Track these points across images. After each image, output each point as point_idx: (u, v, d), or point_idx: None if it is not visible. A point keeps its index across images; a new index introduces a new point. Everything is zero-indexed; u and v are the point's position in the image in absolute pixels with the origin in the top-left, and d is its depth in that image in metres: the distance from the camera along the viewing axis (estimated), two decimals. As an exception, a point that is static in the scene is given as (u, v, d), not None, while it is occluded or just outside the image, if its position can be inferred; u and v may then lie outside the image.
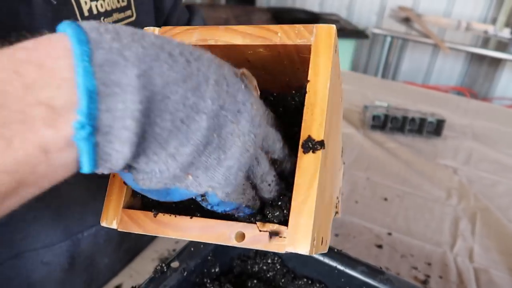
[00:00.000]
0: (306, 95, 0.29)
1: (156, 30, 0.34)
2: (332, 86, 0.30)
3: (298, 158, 0.28)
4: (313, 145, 0.27)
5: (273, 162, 0.29)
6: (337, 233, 0.72)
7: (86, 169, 0.22)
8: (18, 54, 0.20)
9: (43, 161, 0.20)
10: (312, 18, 2.62)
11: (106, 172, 0.24)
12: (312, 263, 0.46)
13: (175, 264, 0.42)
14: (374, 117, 1.11)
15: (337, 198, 0.44)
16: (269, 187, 0.29)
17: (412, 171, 0.94)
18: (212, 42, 0.31)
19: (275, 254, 0.48)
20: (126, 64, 0.21)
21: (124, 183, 0.31)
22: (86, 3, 0.41)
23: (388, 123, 1.10)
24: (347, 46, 2.49)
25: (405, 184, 0.89)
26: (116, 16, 0.45)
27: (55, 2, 0.38)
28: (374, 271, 0.44)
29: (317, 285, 0.46)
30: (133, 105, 0.21)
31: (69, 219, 0.48)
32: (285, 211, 0.29)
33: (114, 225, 0.31)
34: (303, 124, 0.28)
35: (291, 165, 0.31)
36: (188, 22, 0.61)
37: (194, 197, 0.26)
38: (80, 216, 0.49)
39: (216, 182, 0.25)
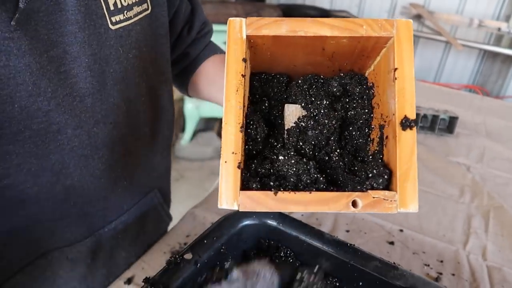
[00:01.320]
0: (396, 81, 0.33)
1: (243, 21, 0.34)
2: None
3: (397, 135, 0.32)
4: (409, 123, 0.32)
5: None
6: (348, 229, 0.72)
7: None
8: None
9: None
10: (322, 15, 2.60)
11: None
12: (325, 257, 0.46)
13: (188, 256, 0.42)
14: (386, 114, 1.10)
15: None
16: None
17: (424, 168, 0.93)
18: (301, 33, 0.33)
19: (287, 247, 0.48)
20: None
21: (238, 167, 0.32)
22: None
23: (400, 120, 1.09)
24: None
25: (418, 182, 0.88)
26: (135, 9, 0.46)
27: None
28: (387, 266, 0.44)
29: (330, 279, 0.46)
30: None
31: (92, 216, 0.49)
32: (386, 178, 0.33)
33: (234, 207, 0.32)
34: (397, 106, 0.33)
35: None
36: (191, 14, 0.61)
37: None
38: (102, 213, 0.50)
39: None
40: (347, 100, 0.40)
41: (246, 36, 0.33)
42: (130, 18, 0.44)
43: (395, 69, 0.33)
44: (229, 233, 0.47)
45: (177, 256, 0.42)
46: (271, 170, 0.34)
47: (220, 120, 2.96)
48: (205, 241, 0.45)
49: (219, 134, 2.99)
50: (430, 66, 3.17)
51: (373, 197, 0.32)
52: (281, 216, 0.49)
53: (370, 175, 0.34)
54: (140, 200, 0.56)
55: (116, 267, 0.56)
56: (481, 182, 0.89)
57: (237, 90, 0.33)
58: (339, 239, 0.47)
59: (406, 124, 0.32)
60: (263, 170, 0.34)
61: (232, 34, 0.33)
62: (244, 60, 0.33)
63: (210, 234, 0.46)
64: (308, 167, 0.33)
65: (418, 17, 2.78)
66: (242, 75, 0.33)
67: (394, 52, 0.33)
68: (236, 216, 0.49)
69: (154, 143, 0.56)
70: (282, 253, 0.48)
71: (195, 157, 2.67)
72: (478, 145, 1.05)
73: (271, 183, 0.33)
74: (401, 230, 0.73)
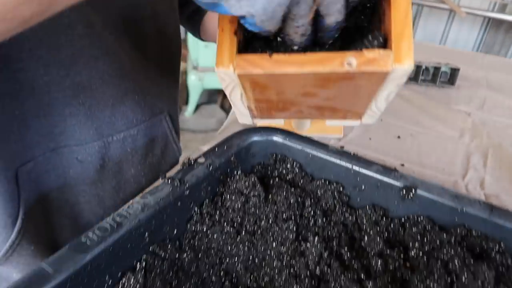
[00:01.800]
0: None
1: None
2: None
3: None
4: None
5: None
6: (351, 165, 0.74)
7: None
8: None
9: None
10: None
11: None
12: (329, 167, 0.49)
13: (201, 160, 0.45)
14: (388, 67, 1.12)
15: None
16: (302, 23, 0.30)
17: (425, 114, 0.95)
18: None
19: (293, 160, 0.51)
20: None
21: (234, 33, 0.32)
22: None
23: (402, 72, 1.11)
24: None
25: (418, 125, 0.90)
26: None
27: None
28: (388, 170, 0.47)
29: (334, 184, 0.48)
30: None
31: (100, 120, 0.51)
32: (381, 40, 0.33)
33: (230, 69, 0.33)
34: None
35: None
36: None
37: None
38: (110, 120, 0.52)
39: (255, 10, 0.27)
40: None
41: None
42: None
43: None
44: (239, 146, 0.50)
45: (190, 159, 0.45)
46: (267, 41, 0.34)
47: (223, 92, 2.97)
48: (216, 149, 0.47)
49: (222, 107, 3.00)
50: (434, 35, 3.14)
51: (368, 56, 0.31)
52: (287, 133, 0.52)
53: (365, 38, 0.33)
54: (150, 119, 0.59)
55: (126, 182, 0.59)
56: (480, 126, 0.92)
57: None
58: (342, 149, 0.49)
59: None
60: (259, 43, 0.34)
61: None
62: None
63: (222, 144, 0.49)
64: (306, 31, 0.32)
65: (421, -14, 2.75)
66: None
67: None
68: (245, 132, 0.51)
69: (162, 66, 0.59)
70: (288, 165, 0.51)
71: (198, 129, 2.70)
72: (479, 95, 1.07)
73: (267, 49, 0.33)
74: (402, 165, 0.75)
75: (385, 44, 0.33)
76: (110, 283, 0.36)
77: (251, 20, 0.28)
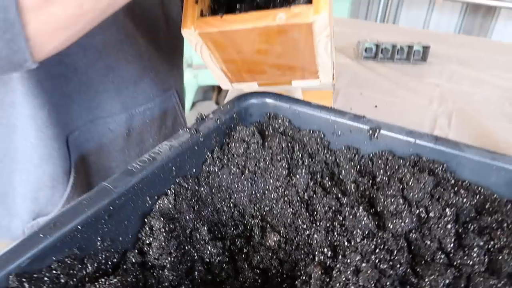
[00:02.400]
0: None
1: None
2: None
3: None
4: None
5: None
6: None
7: None
8: None
9: None
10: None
11: None
12: (312, 119, 0.61)
13: (211, 116, 0.57)
14: (367, 49, 1.25)
15: (333, 62, 0.59)
16: None
17: (399, 87, 1.08)
18: None
19: (284, 116, 0.63)
20: None
21: (196, 1, 0.44)
22: None
23: (379, 53, 1.24)
24: (343, 2, 2.59)
25: (393, 96, 1.03)
26: None
27: None
28: (358, 117, 0.59)
29: (317, 133, 0.61)
30: None
31: (125, 95, 0.64)
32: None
33: (192, 29, 0.44)
34: None
35: None
36: None
37: None
38: (133, 95, 0.65)
39: None
40: None
41: None
42: None
43: None
44: (239, 107, 0.62)
45: (202, 115, 0.57)
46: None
47: (217, 88, 3.09)
48: (222, 108, 0.60)
49: (217, 103, 3.12)
50: (417, 24, 3.27)
51: (294, 11, 0.41)
52: (278, 95, 0.64)
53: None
54: (162, 95, 0.71)
55: (146, 150, 0.71)
56: (448, 94, 1.05)
57: None
58: (322, 105, 0.62)
59: None
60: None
61: None
62: None
63: (226, 105, 0.61)
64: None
65: (402, -23, 2.88)
66: None
67: None
68: (244, 96, 0.64)
69: (169, 47, 0.71)
70: (280, 120, 0.63)
71: (196, 124, 2.81)
72: (448, 69, 1.20)
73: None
74: (378, 127, 0.88)
75: (310, 2, 0.43)
76: (150, 202, 0.48)
77: None
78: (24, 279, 0.35)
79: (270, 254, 0.53)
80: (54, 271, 0.37)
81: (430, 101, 1.01)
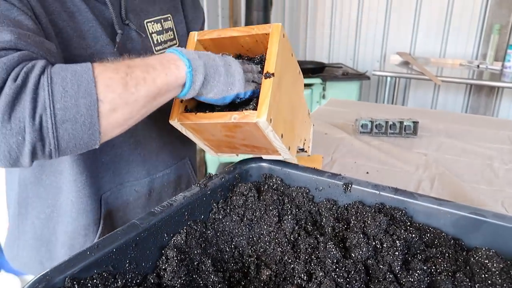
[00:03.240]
0: (267, 51, 0.64)
1: (196, 34, 0.69)
2: (281, 52, 0.64)
3: (262, 80, 0.62)
4: (269, 75, 0.62)
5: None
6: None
7: (188, 84, 0.58)
8: (159, 57, 0.56)
9: (174, 83, 0.55)
10: (319, 67, 3.01)
11: (191, 94, 0.58)
12: (299, 178, 0.76)
13: (217, 175, 0.73)
14: (363, 125, 1.42)
15: (305, 139, 0.76)
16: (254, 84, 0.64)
17: (390, 156, 1.22)
18: (223, 35, 0.68)
19: (277, 176, 0.78)
20: (199, 61, 0.56)
21: (181, 101, 0.65)
22: (155, 37, 0.79)
23: (374, 128, 1.41)
24: (352, 87, 2.85)
25: (383, 164, 1.17)
26: (168, 43, 0.82)
27: (143, 35, 0.76)
28: (334, 175, 0.74)
29: (303, 188, 0.75)
30: (201, 63, 0.56)
31: (149, 163, 0.81)
32: (254, 106, 0.63)
33: (176, 120, 0.65)
34: (265, 66, 0.63)
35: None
36: None
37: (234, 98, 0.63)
38: (155, 163, 0.83)
39: (237, 89, 0.58)
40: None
41: (197, 40, 0.69)
42: (165, 47, 0.81)
43: (267, 48, 0.64)
44: (241, 169, 0.78)
45: (211, 174, 0.73)
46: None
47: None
48: (226, 169, 0.76)
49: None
50: (424, 104, 3.48)
51: (245, 114, 0.61)
52: (273, 161, 0.80)
53: (247, 106, 0.64)
54: (178, 162, 0.89)
55: None
56: (432, 162, 1.18)
57: None
58: (307, 167, 0.77)
59: (267, 75, 0.62)
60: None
61: (190, 39, 0.69)
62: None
63: (230, 167, 0.77)
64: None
65: (406, 63, 3.16)
66: None
67: (269, 39, 0.65)
68: (245, 161, 0.80)
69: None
70: (273, 179, 0.78)
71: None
72: (437, 142, 1.34)
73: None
74: (367, 190, 1.01)
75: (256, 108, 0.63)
76: (166, 237, 0.62)
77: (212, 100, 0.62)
78: (75, 283, 0.49)
79: (262, 285, 0.65)
80: (95, 281, 0.51)
81: (417, 167, 1.14)
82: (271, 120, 0.60)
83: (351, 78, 2.84)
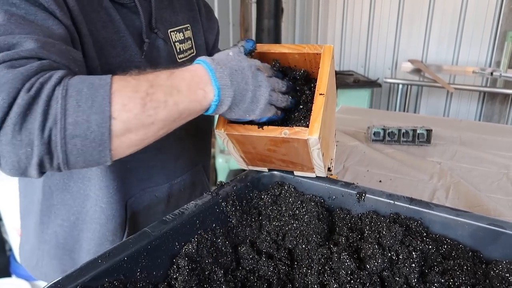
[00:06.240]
0: (319, 71, 0.64)
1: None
2: (330, 72, 0.65)
3: (314, 98, 0.62)
4: (321, 93, 0.63)
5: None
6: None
7: (211, 110, 0.57)
8: (185, 71, 0.55)
9: (198, 105, 0.55)
10: (330, 74, 3.00)
11: (219, 112, 0.58)
12: (311, 186, 0.75)
13: (229, 183, 0.73)
14: (375, 133, 1.40)
15: (332, 159, 0.76)
16: (273, 109, 0.62)
17: (403, 165, 1.20)
18: (272, 51, 0.68)
19: (289, 184, 0.77)
20: (226, 77, 0.56)
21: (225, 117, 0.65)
22: (177, 45, 0.79)
23: (387, 136, 1.39)
24: (363, 95, 2.83)
25: (397, 173, 1.15)
26: (188, 52, 0.82)
27: (168, 44, 0.76)
28: (348, 184, 0.72)
29: (317, 198, 0.74)
30: (230, 93, 0.56)
31: (168, 170, 0.81)
32: (306, 123, 0.63)
33: (222, 130, 0.64)
34: (317, 86, 0.64)
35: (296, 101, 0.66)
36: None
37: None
38: (173, 169, 0.82)
39: (254, 116, 0.59)
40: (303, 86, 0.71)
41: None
42: (186, 56, 0.81)
43: (313, 66, 0.65)
44: (252, 177, 0.77)
45: (222, 182, 0.72)
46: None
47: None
48: (237, 177, 0.75)
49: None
50: (437, 112, 3.45)
51: (295, 130, 0.61)
52: (283, 170, 0.79)
53: (298, 122, 0.64)
54: (193, 169, 0.89)
55: None
56: (448, 171, 1.15)
57: None
58: (322, 176, 0.76)
59: (320, 93, 0.63)
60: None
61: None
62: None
63: (241, 175, 0.76)
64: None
65: (418, 71, 3.13)
66: None
67: (321, 59, 0.65)
68: (256, 171, 0.79)
69: (200, 133, 0.90)
70: (286, 186, 0.77)
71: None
72: (451, 150, 1.32)
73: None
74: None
75: (307, 125, 0.62)
76: (178, 246, 0.61)
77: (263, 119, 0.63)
78: (86, 291, 0.48)
79: (274, 296, 0.63)
80: (105, 289, 0.51)
81: (431, 176, 1.12)
82: (319, 138, 0.60)
83: (362, 85, 2.83)
